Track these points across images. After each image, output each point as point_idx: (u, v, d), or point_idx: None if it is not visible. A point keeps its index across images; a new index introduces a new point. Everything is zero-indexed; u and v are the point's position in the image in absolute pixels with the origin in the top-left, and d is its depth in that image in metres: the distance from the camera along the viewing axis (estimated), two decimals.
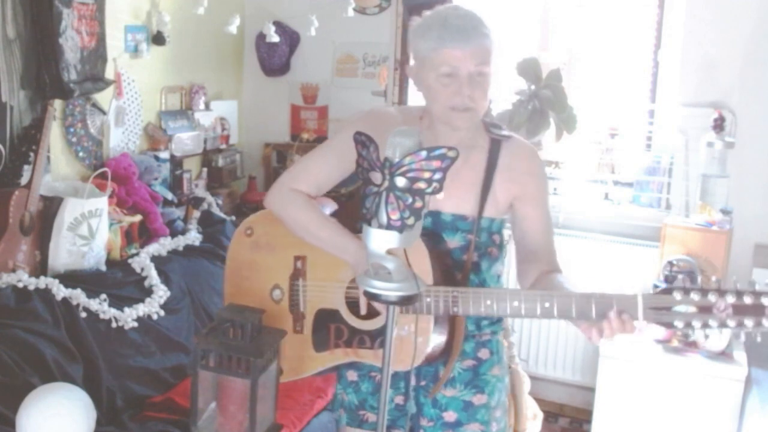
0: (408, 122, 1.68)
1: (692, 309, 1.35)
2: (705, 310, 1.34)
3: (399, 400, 1.76)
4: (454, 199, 1.66)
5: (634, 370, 2.73)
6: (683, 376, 2.66)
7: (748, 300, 1.32)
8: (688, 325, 1.35)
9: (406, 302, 1.35)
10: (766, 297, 1.32)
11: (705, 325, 1.34)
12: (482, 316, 1.58)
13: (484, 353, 1.76)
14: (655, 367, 2.70)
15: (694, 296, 1.34)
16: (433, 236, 1.67)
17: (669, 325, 1.37)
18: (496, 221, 1.71)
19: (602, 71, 3.68)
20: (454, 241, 1.68)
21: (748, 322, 1.32)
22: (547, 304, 1.46)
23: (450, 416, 1.75)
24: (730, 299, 1.33)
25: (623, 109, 3.61)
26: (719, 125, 3.02)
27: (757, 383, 2.58)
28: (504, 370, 1.82)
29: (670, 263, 2.89)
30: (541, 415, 3.15)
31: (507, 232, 1.79)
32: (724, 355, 2.68)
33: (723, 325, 1.34)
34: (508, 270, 3.13)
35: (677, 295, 1.36)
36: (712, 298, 1.34)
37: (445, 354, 1.67)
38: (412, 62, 1.67)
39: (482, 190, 1.66)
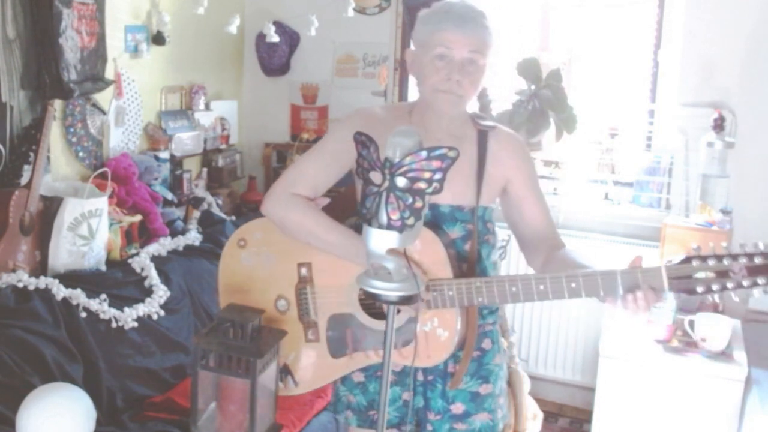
0: (395, 119, 1.70)
1: (711, 275, 1.45)
2: (722, 274, 1.44)
3: (407, 396, 1.77)
4: (450, 191, 1.66)
5: (634, 370, 2.73)
6: (683, 376, 2.66)
7: (758, 260, 1.43)
8: (709, 289, 1.45)
9: (406, 302, 1.35)
10: None
11: (723, 288, 1.45)
12: (508, 303, 1.61)
13: (486, 343, 1.79)
14: (655, 367, 2.70)
15: (711, 262, 1.45)
16: (433, 228, 1.68)
17: (692, 291, 1.46)
18: (489, 209, 1.75)
19: (602, 71, 3.68)
20: (454, 232, 1.70)
21: (761, 281, 1.43)
22: (573, 285, 1.50)
23: (458, 408, 1.76)
24: (743, 261, 1.43)
25: (623, 109, 3.60)
26: (719, 125, 3.02)
27: (757, 383, 2.58)
28: (503, 358, 1.86)
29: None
30: (541, 415, 3.14)
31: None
32: (724, 355, 2.67)
33: (739, 286, 1.44)
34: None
35: (696, 263, 1.45)
36: (726, 262, 1.44)
37: (458, 346, 1.69)
38: (412, 47, 1.70)
39: (477, 179, 1.69)
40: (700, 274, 1.45)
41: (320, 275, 1.71)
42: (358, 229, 1.68)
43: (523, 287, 1.52)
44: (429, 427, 1.78)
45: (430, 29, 1.62)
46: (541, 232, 1.74)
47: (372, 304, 1.67)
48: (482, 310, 1.74)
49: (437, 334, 1.62)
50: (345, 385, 1.82)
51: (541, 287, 1.51)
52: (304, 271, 1.72)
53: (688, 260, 1.46)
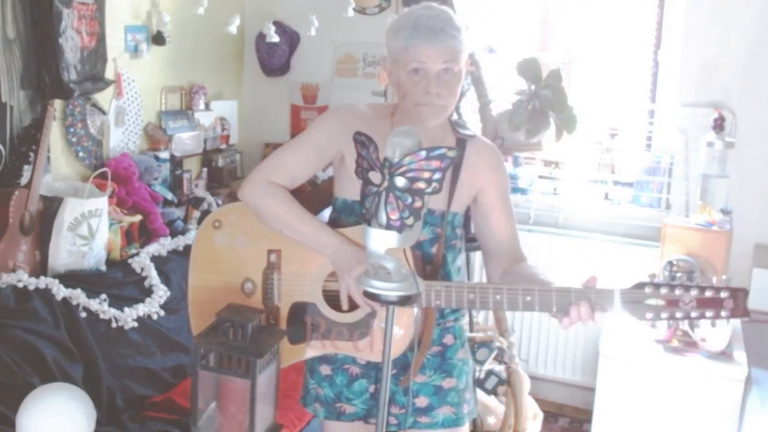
0: (378, 119, 1.73)
1: (661, 302, 1.47)
2: (672, 303, 1.47)
3: (372, 389, 1.80)
4: None
5: (634, 370, 2.73)
6: (683, 376, 2.66)
7: (709, 294, 1.45)
8: (657, 317, 1.47)
9: (405, 302, 1.35)
10: (725, 291, 1.45)
11: (671, 317, 1.47)
12: (464, 308, 1.64)
13: (448, 339, 1.83)
14: (655, 367, 2.70)
15: (663, 290, 1.47)
16: None
17: (641, 317, 1.48)
18: (458, 215, 1.78)
19: (602, 71, 3.68)
20: (423, 234, 1.72)
21: (709, 314, 1.46)
22: (528, 298, 1.51)
23: (421, 402, 1.80)
24: (694, 293, 1.45)
25: (623, 109, 3.60)
26: (719, 125, 3.02)
27: (757, 383, 2.58)
28: (467, 354, 1.89)
29: (670, 263, 2.88)
30: (541, 415, 3.15)
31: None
32: (724, 355, 2.67)
33: (687, 317, 1.47)
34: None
35: (648, 290, 1.47)
36: (678, 292, 1.46)
37: (411, 346, 1.72)
38: (387, 57, 1.72)
39: (450, 185, 1.72)
40: (651, 301, 1.47)
41: (288, 263, 1.75)
42: (332, 223, 1.74)
43: (480, 295, 1.54)
44: (393, 421, 1.80)
45: (402, 45, 1.63)
46: (505, 243, 1.78)
47: (333, 298, 1.70)
48: (444, 308, 1.77)
49: (392, 332, 1.65)
50: (313, 378, 1.85)
51: (497, 297, 1.52)
52: (273, 257, 1.75)
53: (641, 286, 1.48)
